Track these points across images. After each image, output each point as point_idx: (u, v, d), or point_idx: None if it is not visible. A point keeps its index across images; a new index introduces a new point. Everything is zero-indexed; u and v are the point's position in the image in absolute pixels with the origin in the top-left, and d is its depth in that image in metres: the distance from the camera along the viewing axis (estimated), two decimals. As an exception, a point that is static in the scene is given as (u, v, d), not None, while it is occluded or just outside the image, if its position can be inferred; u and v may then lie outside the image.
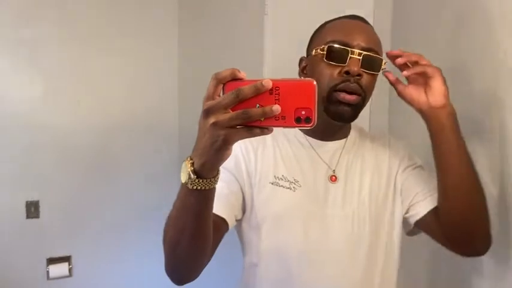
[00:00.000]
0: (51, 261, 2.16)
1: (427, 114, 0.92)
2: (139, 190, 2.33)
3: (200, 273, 0.82)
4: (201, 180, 0.66)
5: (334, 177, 0.98)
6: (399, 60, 0.92)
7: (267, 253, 0.96)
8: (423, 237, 1.05)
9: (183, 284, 0.84)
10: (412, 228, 1.03)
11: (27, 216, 2.11)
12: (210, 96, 0.61)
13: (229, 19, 1.95)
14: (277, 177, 0.96)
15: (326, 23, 1.00)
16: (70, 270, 2.19)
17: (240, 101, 0.58)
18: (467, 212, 0.90)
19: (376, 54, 0.93)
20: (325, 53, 0.92)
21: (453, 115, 0.91)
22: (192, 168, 0.65)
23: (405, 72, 0.92)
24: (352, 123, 1.05)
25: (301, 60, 1.04)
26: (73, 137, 2.19)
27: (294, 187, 0.95)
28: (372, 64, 0.92)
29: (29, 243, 2.12)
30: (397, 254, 1.00)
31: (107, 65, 2.24)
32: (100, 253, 2.26)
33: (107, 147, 2.26)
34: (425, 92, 0.92)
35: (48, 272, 2.15)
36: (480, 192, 0.91)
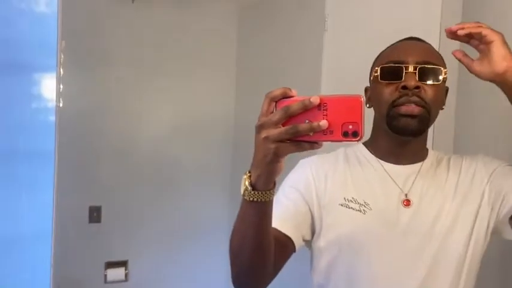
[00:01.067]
0: (109, 265, 2.25)
1: (496, 81, 0.88)
2: (195, 199, 2.38)
3: (264, 286, 0.85)
4: (257, 193, 0.70)
5: (407, 202, 0.94)
6: (460, 32, 0.87)
7: (334, 276, 0.95)
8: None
9: None
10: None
11: (90, 221, 2.21)
12: (263, 114, 0.66)
13: (289, 34, 1.96)
14: (347, 199, 0.95)
15: (385, 49, 1.00)
16: (126, 275, 2.27)
17: (289, 117, 0.62)
18: None
19: (435, 65, 0.91)
20: (378, 74, 0.93)
21: None
22: (249, 181, 0.70)
23: (461, 36, 0.88)
24: (432, 148, 1.02)
25: (366, 90, 1.03)
26: (135, 146, 2.29)
27: (364, 210, 0.94)
28: (430, 75, 0.91)
29: (90, 247, 2.23)
30: (465, 276, 0.93)
31: (168, 81, 2.33)
32: (155, 259, 2.32)
33: (165, 158, 2.35)
34: (488, 60, 0.87)
35: (106, 275, 2.24)
36: None
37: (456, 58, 0.93)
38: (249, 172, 0.70)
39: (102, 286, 2.24)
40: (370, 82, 1.02)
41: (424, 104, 0.90)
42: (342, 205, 0.94)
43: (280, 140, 0.63)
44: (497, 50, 0.85)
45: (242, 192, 0.71)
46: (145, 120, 2.31)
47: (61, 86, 2.09)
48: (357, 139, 0.61)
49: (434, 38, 1.56)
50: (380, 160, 1.00)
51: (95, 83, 2.22)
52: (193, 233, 2.34)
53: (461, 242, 0.92)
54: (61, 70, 2.08)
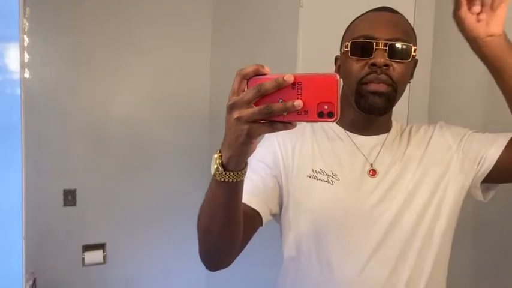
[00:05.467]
0: (87, 248, 2.23)
1: (483, 41, 0.89)
2: (172, 179, 2.36)
3: (232, 261, 0.85)
4: (228, 173, 0.68)
5: (372, 171, 0.96)
6: None
7: (304, 247, 0.96)
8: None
9: (215, 270, 0.86)
10: (485, 187, 0.99)
11: (65, 204, 2.17)
12: (234, 92, 0.63)
13: (264, 10, 1.93)
14: (315, 171, 0.96)
15: (354, 19, 0.99)
16: (104, 257, 2.25)
17: (261, 96, 0.59)
18: None
19: (405, 42, 0.91)
20: (349, 49, 0.93)
21: (505, 36, 0.89)
22: (220, 161, 0.67)
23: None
24: (395, 118, 1.04)
25: (336, 59, 1.04)
26: (108, 127, 2.24)
27: (332, 180, 0.95)
28: (400, 53, 0.91)
29: (66, 230, 2.19)
30: (437, 244, 0.96)
31: (141, 58, 2.28)
32: (134, 241, 2.31)
33: (140, 137, 2.30)
34: (487, 20, 0.88)
35: (83, 258, 2.22)
36: None
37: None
38: (220, 152, 0.67)
39: (80, 269, 2.22)
40: (340, 53, 1.01)
41: (391, 82, 0.91)
42: (310, 176, 0.96)
43: (253, 120, 0.60)
44: (502, 14, 0.87)
45: (213, 172, 0.69)
46: (119, 99, 2.26)
47: (27, 56, 2.00)
48: (333, 120, 0.59)
49: (410, 10, 1.56)
50: (347, 132, 1.01)
51: (66, 59, 2.14)
52: (171, 214, 2.33)
53: (418, 209, 0.94)
54: (26, 39, 1.99)
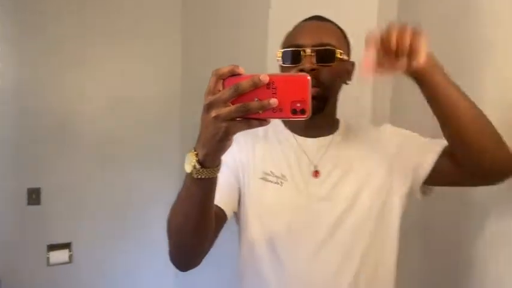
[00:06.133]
0: (52, 247, 2.19)
1: (417, 76, 0.84)
2: (140, 177, 2.35)
3: (202, 259, 0.87)
4: (205, 170, 0.70)
5: (316, 172, 1.01)
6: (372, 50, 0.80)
7: (257, 246, 1.00)
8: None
9: (186, 270, 0.88)
10: (424, 189, 1.03)
11: (28, 203, 2.12)
12: (210, 91, 0.65)
13: (233, 12, 1.95)
14: (266, 173, 1.01)
15: (289, 32, 1.05)
16: (70, 256, 2.22)
17: (238, 95, 0.62)
18: (492, 138, 0.88)
19: (330, 46, 0.97)
20: (280, 58, 1.00)
21: (440, 66, 0.85)
22: (197, 159, 0.69)
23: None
24: (343, 119, 1.09)
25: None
26: (75, 125, 2.20)
27: (281, 182, 1.01)
28: (326, 57, 0.97)
29: (30, 230, 2.14)
30: (381, 243, 1.01)
31: (111, 54, 2.26)
32: (100, 240, 2.28)
33: (108, 135, 2.28)
34: (409, 56, 0.80)
35: (48, 258, 2.17)
36: (486, 117, 0.88)
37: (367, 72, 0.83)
38: (195, 150, 0.69)
39: (45, 269, 2.18)
40: None
41: (321, 84, 0.96)
42: (261, 178, 1.01)
43: (230, 119, 0.63)
44: (419, 46, 0.78)
45: (189, 170, 0.70)
46: (86, 96, 2.22)
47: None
48: (305, 116, 0.64)
49: (372, 13, 1.59)
50: (294, 135, 1.06)
51: (30, 53, 2.09)
52: (138, 213, 2.31)
53: (362, 210, 0.99)
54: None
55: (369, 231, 1.00)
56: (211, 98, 0.64)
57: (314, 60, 0.96)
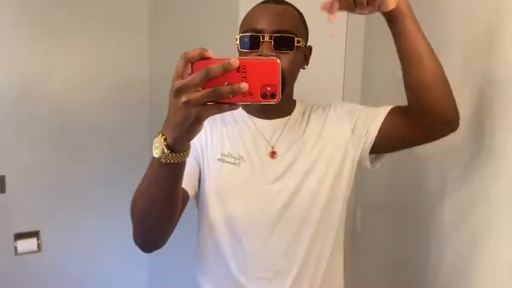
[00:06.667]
0: (19, 236, 2.13)
1: (388, 16, 0.91)
2: (107, 162, 2.29)
3: (166, 241, 0.88)
4: (174, 154, 0.70)
5: (273, 153, 1.05)
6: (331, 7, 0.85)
7: (216, 225, 1.04)
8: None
9: (151, 252, 0.89)
10: (373, 157, 1.10)
11: (-7, 191, 2.05)
12: (179, 75, 0.64)
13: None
14: (224, 154, 1.04)
15: (246, 14, 1.04)
16: (39, 245, 2.17)
17: (209, 80, 0.62)
18: (445, 88, 0.95)
19: (290, 33, 0.97)
20: (238, 43, 1.00)
21: (411, 12, 0.91)
22: (166, 143, 0.68)
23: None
24: (299, 100, 1.12)
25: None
26: (40, 110, 2.12)
27: (238, 162, 1.03)
28: (284, 44, 0.97)
29: (-5, 219, 2.08)
30: (337, 219, 1.08)
31: (77, 35, 2.17)
32: (70, 227, 2.23)
33: (75, 121, 2.21)
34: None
35: (16, 247, 2.12)
36: (443, 70, 0.95)
37: (327, 10, 0.85)
38: (163, 134, 0.69)
39: (13, 258, 2.12)
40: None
41: None
42: (219, 160, 1.04)
43: (201, 104, 0.63)
44: None
45: (158, 155, 0.70)
46: (51, 80, 2.13)
47: None
48: (275, 100, 0.64)
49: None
50: (252, 116, 1.08)
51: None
52: (106, 198, 2.27)
53: (313, 187, 1.04)
54: None
55: (319, 207, 1.04)
56: (180, 82, 0.63)
57: (272, 46, 0.96)
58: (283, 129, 1.07)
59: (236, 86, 0.62)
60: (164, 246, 0.89)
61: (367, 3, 0.86)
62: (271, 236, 1.03)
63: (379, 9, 0.88)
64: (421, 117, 0.98)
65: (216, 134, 1.06)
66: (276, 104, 1.01)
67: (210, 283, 1.08)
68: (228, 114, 1.05)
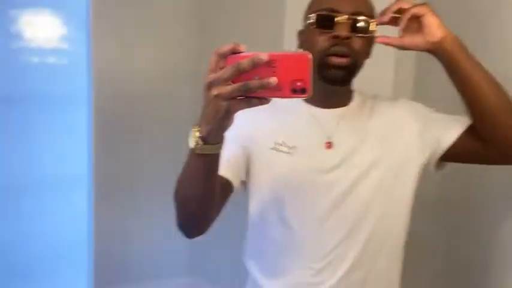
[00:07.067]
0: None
1: (433, 51, 0.95)
2: (152, 155, 2.30)
3: (208, 228, 0.90)
4: (208, 146, 0.72)
5: (328, 144, 1.02)
6: (384, 19, 0.96)
7: (267, 213, 1.04)
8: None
9: (193, 237, 0.91)
10: (439, 163, 1.07)
11: None
12: (212, 70, 0.66)
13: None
14: (277, 143, 1.03)
15: None
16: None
17: (239, 74, 0.63)
18: (508, 116, 0.93)
19: (366, 16, 0.96)
20: (314, 21, 0.97)
21: (457, 40, 0.93)
22: (200, 135, 0.71)
23: (401, 25, 0.96)
24: (357, 90, 1.09)
25: (299, 33, 1.07)
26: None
27: (292, 152, 1.02)
28: (360, 27, 0.96)
29: None
30: (396, 224, 1.05)
31: (125, 27, 2.20)
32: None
33: (124, 112, 2.24)
34: (422, 32, 0.94)
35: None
36: (506, 93, 0.94)
37: (384, 44, 0.98)
38: (198, 126, 0.71)
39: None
40: (303, 26, 1.05)
41: (352, 54, 0.96)
42: (272, 148, 1.03)
43: (231, 98, 0.64)
44: (431, 20, 0.93)
45: (193, 145, 0.72)
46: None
47: None
48: (305, 95, 0.64)
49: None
50: (309, 105, 1.06)
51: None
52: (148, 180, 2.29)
53: (374, 183, 1.02)
54: None
55: (380, 201, 1.02)
56: (212, 76, 0.65)
57: (349, 28, 0.95)
58: (341, 119, 1.05)
59: (265, 80, 0.62)
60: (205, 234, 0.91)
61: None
62: (322, 227, 1.01)
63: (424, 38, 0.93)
64: (495, 144, 0.96)
65: (269, 122, 1.04)
66: (336, 93, 1.03)
67: (258, 268, 1.09)
68: (282, 101, 1.06)
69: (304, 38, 1.03)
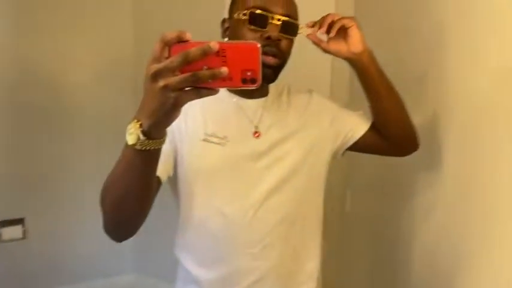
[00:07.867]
0: (4, 223, 2.11)
1: (351, 60, 1.05)
2: (93, 149, 2.27)
3: (138, 229, 0.85)
4: (150, 141, 0.67)
5: (257, 133, 1.05)
6: (321, 30, 1.03)
7: (200, 203, 1.04)
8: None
9: (121, 241, 0.86)
10: (345, 152, 1.19)
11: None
12: (156, 59, 0.61)
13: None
14: (208, 134, 1.03)
15: None
16: (24, 232, 2.15)
17: (187, 64, 0.59)
18: (405, 120, 1.14)
19: (294, 19, 1.00)
20: (247, 18, 0.97)
21: (372, 54, 1.06)
22: (141, 130, 0.66)
23: (331, 33, 1.03)
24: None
25: (223, 21, 1.08)
26: (22, 93, 2.09)
27: (223, 143, 1.02)
28: (289, 29, 0.99)
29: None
30: (315, 203, 1.13)
31: (58, 18, 2.13)
32: (54, 215, 2.22)
33: (59, 105, 2.18)
34: (346, 41, 1.03)
35: (0, 234, 2.10)
36: (402, 102, 1.12)
37: (312, 42, 1.06)
38: (138, 120, 0.66)
39: (-2, 245, 2.10)
40: (229, 15, 1.05)
41: (281, 55, 0.99)
42: (203, 140, 1.02)
43: (179, 89, 0.60)
44: (356, 33, 1.02)
45: (133, 141, 0.67)
46: (33, 62, 2.10)
47: None
48: (255, 85, 0.62)
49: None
50: (233, 95, 1.07)
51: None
52: (90, 184, 2.19)
53: (294, 167, 1.07)
54: None
55: (300, 188, 1.07)
56: (158, 66, 0.60)
57: (279, 29, 0.97)
58: (264, 109, 1.08)
59: (216, 70, 0.59)
60: (147, 230, 0.87)
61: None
62: (255, 215, 1.03)
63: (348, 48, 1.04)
64: (390, 142, 1.15)
65: (197, 114, 1.03)
66: (260, 86, 1.04)
67: (191, 260, 1.08)
68: None
69: (232, 31, 1.03)
